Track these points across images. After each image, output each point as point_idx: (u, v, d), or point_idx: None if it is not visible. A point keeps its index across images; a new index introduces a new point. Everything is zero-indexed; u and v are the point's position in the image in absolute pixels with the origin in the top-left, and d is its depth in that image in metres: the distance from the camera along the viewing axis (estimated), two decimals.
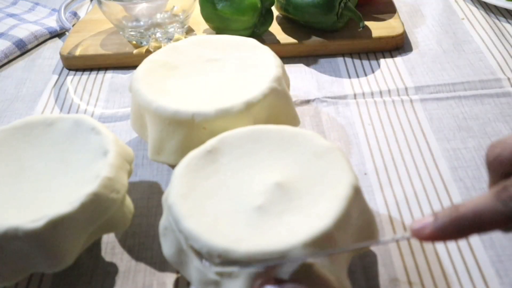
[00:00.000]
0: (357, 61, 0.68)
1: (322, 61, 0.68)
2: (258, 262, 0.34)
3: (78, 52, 0.70)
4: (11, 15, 0.82)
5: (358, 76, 0.65)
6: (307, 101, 0.62)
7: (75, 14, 0.82)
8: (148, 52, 0.67)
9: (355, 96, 0.62)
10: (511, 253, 0.44)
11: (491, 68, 0.64)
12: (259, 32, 0.68)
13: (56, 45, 0.77)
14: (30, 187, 0.42)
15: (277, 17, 0.73)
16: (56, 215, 0.38)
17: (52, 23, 0.80)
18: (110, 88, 0.67)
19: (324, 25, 0.68)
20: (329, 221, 0.35)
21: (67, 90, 0.67)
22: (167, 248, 0.39)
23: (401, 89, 0.62)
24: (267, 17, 0.68)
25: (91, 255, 0.46)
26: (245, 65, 0.51)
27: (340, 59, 0.68)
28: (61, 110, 0.64)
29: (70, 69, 0.71)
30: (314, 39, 0.69)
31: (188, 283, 0.43)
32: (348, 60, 0.68)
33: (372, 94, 0.62)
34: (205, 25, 0.72)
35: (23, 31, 0.76)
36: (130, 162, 0.45)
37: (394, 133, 0.56)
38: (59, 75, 0.70)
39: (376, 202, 0.49)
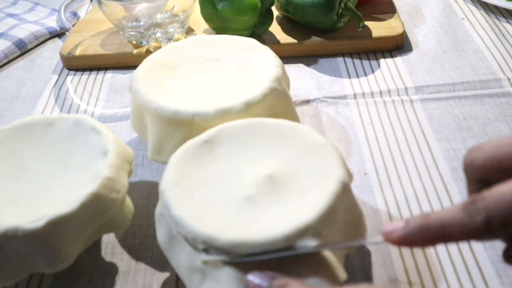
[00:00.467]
0: (357, 61, 0.68)
1: (322, 61, 0.68)
2: (241, 252, 0.34)
3: (78, 52, 0.70)
4: (11, 15, 0.82)
5: (358, 76, 0.65)
6: (307, 101, 0.62)
7: (75, 14, 0.82)
8: (148, 52, 0.67)
9: (355, 96, 0.62)
10: None
11: (491, 68, 0.64)
12: (259, 32, 0.68)
13: (56, 45, 0.77)
14: (30, 187, 0.42)
15: (277, 17, 0.73)
16: (56, 215, 0.38)
17: (52, 23, 0.80)
18: (110, 88, 0.67)
19: (324, 25, 0.68)
20: (313, 215, 0.35)
21: (67, 90, 0.67)
22: (160, 234, 0.40)
23: (401, 89, 0.62)
24: (267, 17, 0.68)
25: (91, 255, 0.46)
26: (245, 65, 0.51)
27: (340, 59, 0.68)
28: (61, 110, 0.64)
29: (70, 69, 0.71)
30: (314, 39, 0.69)
31: None
32: (348, 60, 0.68)
33: (372, 94, 0.62)
34: (205, 25, 0.72)
35: (23, 31, 0.76)
36: (130, 162, 0.45)
37: (394, 133, 0.56)
38: (59, 75, 0.70)
39: (376, 202, 0.49)
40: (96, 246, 0.47)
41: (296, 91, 0.63)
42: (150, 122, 0.48)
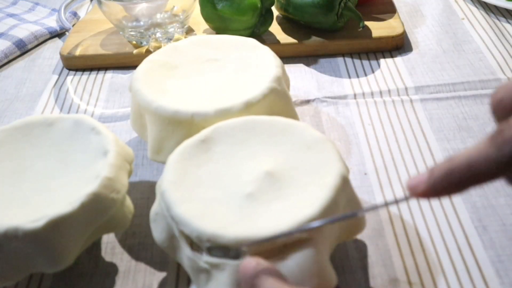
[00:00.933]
0: (357, 61, 0.68)
1: (322, 61, 0.68)
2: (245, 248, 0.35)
3: (78, 52, 0.70)
4: (11, 15, 0.82)
5: (358, 76, 0.65)
6: (307, 101, 0.62)
7: (75, 14, 0.82)
8: (148, 52, 0.67)
9: (355, 96, 0.62)
10: (511, 253, 0.44)
11: (491, 68, 0.64)
12: (259, 32, 0.68)
13: (56, 45, 0.77)
14: (30, 187, 0.42)
15: (277, 17, 0.73)
16: (56, 215, 0.38)
17: (52, 23, 0.80)
18: (110, 88, 0.67)
19: (324, 25, 0.68)
20: (316, 209, 0.36)
21: (67, 90, 0.67)
22: (158, 234, 0.40)
23: (401, 89, 0.62)
24: (267, 17, 0.68)
25: (91, 255, 0.46)
26: (245, 65, 0.51)
27: (340, 59, 0.68)
28: (61, 110, 0.64)
29: (70, 69, 0.71)
30: (314, 39, 0.69)
31: (188, 283, 0.43)
32: (348, 60, 0.68)
33: (372, 94, 0.62)
34: (205, 25, 0.72)
35: (23, 31, 0.76)
36: (130, 162, 0.45)
37: (394, 133, 0.56)
38: (59, 75, 0.70)
39: (376, 202, 0.49)
40: (96, 246, 0.47)
41: (296, 91, 0.63)
42: (150, 122, 0.48)
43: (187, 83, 0.50)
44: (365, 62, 0.68)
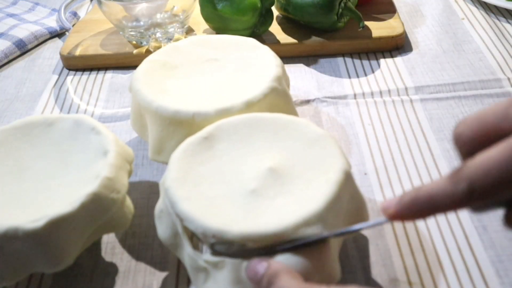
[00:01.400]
0: (357, 61, 0.68)
1: (322, 61, 0.68)
2: (251, 245, 0.35)
3: (78, 52, 0.70)
4: (11, 15, 0.82)
5: (358, 76, 0.65)
6: (307, 101, 0.62)
7: (75, 14, 0.82)
8: (148, 52, 0.67)
9: (355, 96, 0.62)
10: (511, 253, 0.44)
11: (491, 68, 0.64)
12: (259, 32, 0.68)
13: (56, 45, 0.77)
14: (30, 187, 0.42)
15: (277, 17, 0.73)
16: (56, 215, 0.38)
17: (52, 23, 0.80)
18: (110, 88, 0.67)
19: (324, 25, 0.68)
20: (320, 204, 0.36)
21: (67, 90, 0.67)
22: (162, 231, 0.40)
23: (401, 89, 0.62)
24: (267, 17, 0.68)
25: (91, 255, 0.46)
26: (245, 65, 0.51)
27: (340, 59, 0.68)
28: (61, 110, 0.64)
29: (70, 69, 0.71)
30: (314, 39, 0.69)
31: (188, 283, 0.43)
32: (348, 60, 0.68)
33: (372, 94, 0.62)
34: (205, 25, 0.72)
35: (23, 31, 0.76)
36: (130, 162, 0.45)
37: (394, 133, 0.56)
38: (59, 75, 0.70)
39: (376, 202, 0.49)
40: (96, 246, 0.47)
41: (296, 91, 0.63)
42: (150, 122, 0.48)
43: (187, 83, 0.50)
44: (365, 62, 0.68)
